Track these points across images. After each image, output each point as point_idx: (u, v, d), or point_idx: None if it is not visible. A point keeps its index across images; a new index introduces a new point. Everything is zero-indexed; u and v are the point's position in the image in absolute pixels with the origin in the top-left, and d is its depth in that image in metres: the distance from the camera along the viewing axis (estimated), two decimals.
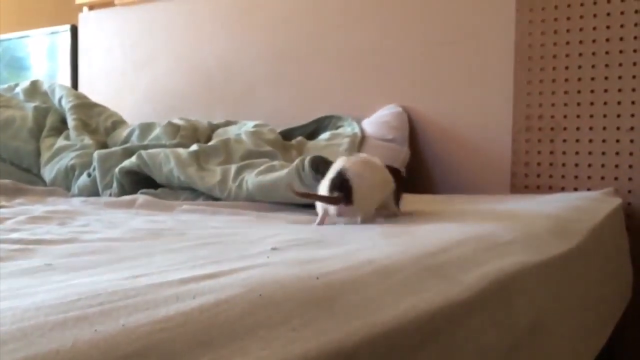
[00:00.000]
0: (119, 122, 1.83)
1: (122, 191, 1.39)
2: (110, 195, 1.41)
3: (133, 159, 1.39)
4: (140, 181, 1.40)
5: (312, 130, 1.87)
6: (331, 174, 0.91)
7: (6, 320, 0.32)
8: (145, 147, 1.50)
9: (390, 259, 0.56)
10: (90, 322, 0.32)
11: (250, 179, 1.22)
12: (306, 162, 1.14)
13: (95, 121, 1.82)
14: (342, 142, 1.65)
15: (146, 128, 1.70)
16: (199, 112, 2.13)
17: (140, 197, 1.25)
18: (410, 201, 1.20)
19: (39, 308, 0.33)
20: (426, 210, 1.19)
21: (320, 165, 1.17)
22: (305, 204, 1.17)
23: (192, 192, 1.33)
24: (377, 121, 1.80)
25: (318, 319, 0.39)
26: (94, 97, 2.00)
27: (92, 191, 1.47)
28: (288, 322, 0.37)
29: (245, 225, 0.95)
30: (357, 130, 1.73)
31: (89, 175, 1.50)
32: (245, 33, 2.16)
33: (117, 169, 1.40)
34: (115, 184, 1.40)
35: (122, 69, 2.45)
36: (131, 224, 0.93)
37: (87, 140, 1.66)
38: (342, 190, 0.87)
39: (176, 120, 1.76)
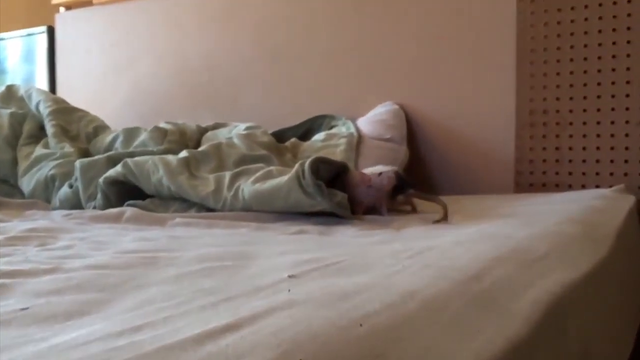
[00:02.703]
0: (101, 128, 1.73)
1: (107, 203, 1.29)
2: (94, 207, 1.31)
3: (118, 167, 1.30)
4: (126, 192, 1.30)
5: (305, 130, 1.78)
6: None
7: None
8: (131, 155, 1.40)
9: (432, 288, 0.48)
10: None
11: (247, 187, 1.13)
12: (306, 168, 1.05)
13: (76, 127, 1.71)
14: (339, 143, 1.56)
15: (131, 133, 1.60)
16: (185, 115, 2.03)
17: (128, 210, 1.15)
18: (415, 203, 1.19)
19: None
20: (435, 214, 1.12)
21: (320, 167, 1.09)
22: (304, 213, 1.09)
23: (184, 203, 1.24)
24: (373, 120, 1.72)
25: None
26: (74, 101, 1.89)
27: (75, 203, 1.37)
28: None
29: (247, 240, 0.86)
30: (352, 129, 1.64)
31: (71, 186, 1.40)
32: (230, 31, 2.07)
33: (101, 179, 1.30)
34: (99, 195, 1.30)
35: (103, 71, 2.34)
36: (120, 243, 0.84)
37: (68, 148, 1.56)
38: None
39: (163, 125, 1.66)
